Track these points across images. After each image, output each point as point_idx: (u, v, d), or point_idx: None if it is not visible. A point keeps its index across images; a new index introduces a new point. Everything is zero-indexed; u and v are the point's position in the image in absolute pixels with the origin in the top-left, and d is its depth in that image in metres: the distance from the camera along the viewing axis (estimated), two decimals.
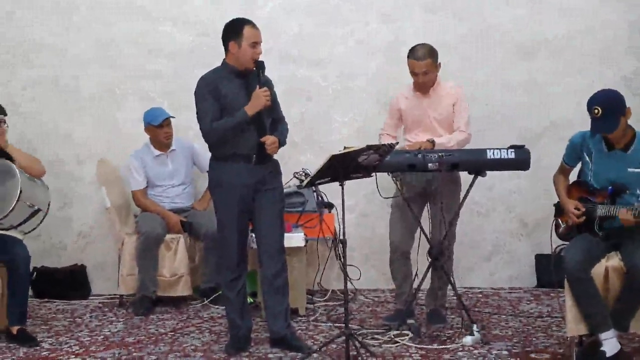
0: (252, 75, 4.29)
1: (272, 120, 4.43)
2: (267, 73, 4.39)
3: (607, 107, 4.00)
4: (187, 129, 5.86)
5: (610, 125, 4.02)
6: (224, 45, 4.33)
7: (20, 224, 4.69)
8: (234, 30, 4.29)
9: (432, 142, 4.70)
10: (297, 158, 5.83)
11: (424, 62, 4.71)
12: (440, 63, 4.80)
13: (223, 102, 4.25)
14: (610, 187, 4.09)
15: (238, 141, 4.27)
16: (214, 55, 5.93)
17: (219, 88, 4.26)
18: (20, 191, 4.53)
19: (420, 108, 4.86)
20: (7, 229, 4.69)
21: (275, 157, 4.47)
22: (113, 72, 6.00)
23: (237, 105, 4.24)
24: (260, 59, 4.28)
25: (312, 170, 4.23)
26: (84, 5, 5.99)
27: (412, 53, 4.76)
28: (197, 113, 4.33)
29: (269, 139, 4.26)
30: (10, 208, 4.52)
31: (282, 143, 4.40)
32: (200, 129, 4.32)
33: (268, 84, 4.37)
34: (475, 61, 5.93)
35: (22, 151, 4.81)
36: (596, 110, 4.00)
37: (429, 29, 5.80)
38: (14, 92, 5.99)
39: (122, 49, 6.00)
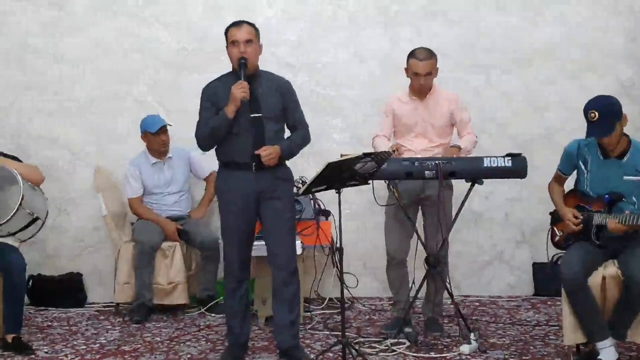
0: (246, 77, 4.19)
1: (288, 125, 4.38)
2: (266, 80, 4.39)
3: (603, 111, 4.01)
4: (183, 136, 5.88)
5: (606, 129, 4.02)
6: None
7: (18, 232, 4.68)
8: (225, 36, 4.29)
9: (459, 148, 4.79)
10: (293, 165, 5.81)
11: (427, 62, 4.71)
12: (438, 68, 4.81)
13: (219, 107, 4.22)
14: (606, 196, 4.09)
15: (233, 148, 4.23)
16: (211, 62, 5.97)
17: (217, 93, 4.25)
18: (22, 198, 4.52)
19: (417, 113, 4.85)
20: (4, 236, 4.67)
21: None
22: (108, 77, 5.99)
23: None
24: (243, 57, 4.17)
25: (309, 177, 4.21)
26: (80, 9, 5.98)
27: (415, 54, 4.76)
28: None
29: (264, 151, 4.18)
30: (11, 214, 4.50)
31: (289, 152, 4.31)
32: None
33: (281, 85, 4.32)
34: (471, 68, 5.93)
35: (20, 162, 4.81)
36: (593, 114, 4.02)
37: (425, 36, 5.80)
38: (8, 97, 5.98)
39: (118, 54, 5.99)
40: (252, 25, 4.28)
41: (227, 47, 4.26)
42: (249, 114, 4.17)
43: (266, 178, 4.23)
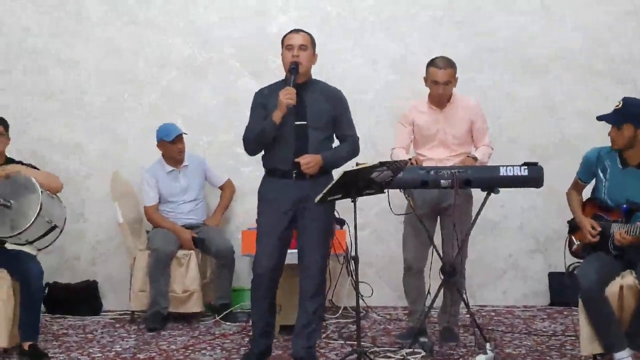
0: (297, 83, 4.20)
1: (337, 135, 4.36)
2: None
3: (627, 105, 4.08)
4: (196, 144, 5.90)
5: (613, 118, 4.08)
6: None
7: (35, 240, 4.71)
8: (281, 43, 4.34)
9: (475, 159, 4.77)
10: None
11: (446, 71, 4.70)
12: (457, 77, 4.80)
13: (268, 112, 4.21)
14: (625, 205, 4.06)
15: (276, 155, 4.23)
16: (225, 71, 5.98)
17: (267, 99, 4.26)
18: (41, 206, 4.55)
19: (437, 123, 4.83)
20: (22, 244, 4.70)
21: None
22: (122, 85, 6.01)
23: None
24: (294, 61, 4.20)
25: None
26: (94, 16, 6.02)
27: (434, 62, 4.75)
28: None
29: (304, 159, 4.16)
30: (30, 222, 4.54)
31: (332, 162, 4.27)
32: None
33: (332, 95, 4.32)
34: (487, 75, 5.92)
35: (38, 170, 4.85)
36: (618, 103, 4.11)
37: (437, 42, 5.81)
38: (23, 104, 6.00)
39: (133, 62, 6.01)
40: (309, 34, 4.33)
41: (282, 54, 4.30)
42: (294, 122, 4.19)
43: (306, 187, 4.20)
